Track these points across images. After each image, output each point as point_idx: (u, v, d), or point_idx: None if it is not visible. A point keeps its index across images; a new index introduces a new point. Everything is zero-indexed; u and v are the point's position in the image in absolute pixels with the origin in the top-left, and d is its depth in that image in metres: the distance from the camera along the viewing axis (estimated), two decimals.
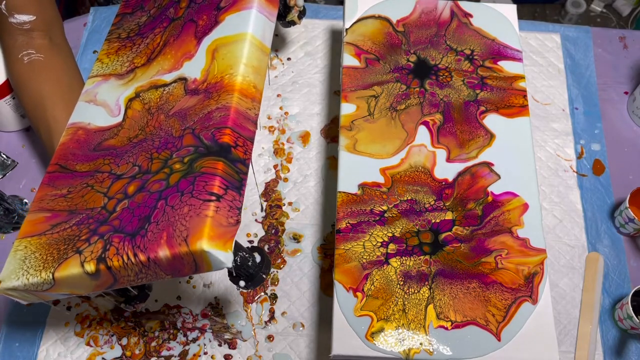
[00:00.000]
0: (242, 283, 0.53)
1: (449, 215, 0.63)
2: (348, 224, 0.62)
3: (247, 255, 0.51)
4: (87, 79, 0.67)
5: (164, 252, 0.47)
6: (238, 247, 0.50)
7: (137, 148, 0.58)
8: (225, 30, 0.62)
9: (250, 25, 0.60)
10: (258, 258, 0.52)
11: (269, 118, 0.84)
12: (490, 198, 0.64)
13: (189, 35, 0.64)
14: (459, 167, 0.66)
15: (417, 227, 0.62)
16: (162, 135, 0.57)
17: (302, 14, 0.76)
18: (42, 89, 0.69)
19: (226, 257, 0.47)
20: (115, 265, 0.49)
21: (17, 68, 0.70)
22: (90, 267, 0.50)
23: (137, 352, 0.68)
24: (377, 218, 0.62)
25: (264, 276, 0.53)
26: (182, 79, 0.61)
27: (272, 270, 0.72)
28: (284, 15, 0.75)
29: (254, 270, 0.52)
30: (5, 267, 0.54)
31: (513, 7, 0.78)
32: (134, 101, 0.62)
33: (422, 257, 0.60)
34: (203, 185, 0.50)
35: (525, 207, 0.63)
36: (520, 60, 0.73)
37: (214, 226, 0.47)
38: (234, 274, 0.52)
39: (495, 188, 0.64)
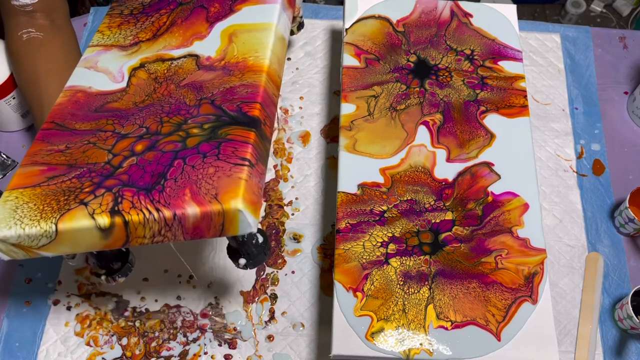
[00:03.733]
0: (242, 261, 0.53)
1: (449, 216, 0.63)
2: (348, 224, 0.62)
3: (252, 233, 0.51)
4: (87, 48, 0.66)
5: (192, 209, 0.46)
6: None
7: (145, 112, 0.57)
8: (244, 19, 0.63)
9: (275, 17, 0.62)
10: (261, 239, 0.53)
11: None
12: (490, 198, 0.64)
13: (199, 19, 0.65)
14: (459, 167, 0.66)
15: (417, 227, 0.62)
16: (172, 102, 0.57)
17: (301, 25, 0.79)
18: (38, 65, 0.68)
19: (255, 222, 0.48)
20: (135, 220, 0.46)
21: (15, 44, 0.70)
22: (103, 220, 0.47)
23: (137, 352, 0.68)
24: (377, 218, 0.62)
25: (265, 257, 0.53)
26: (193, 55, 0.62)
27: (272, 270, 0.72)
28: None
29: (256, 249, 0.52)
30: None
31: (513, 7, 0.78)
32: (138, 70, 0.62)
33: (422, 257, 0.60)
34: (232, 151, 0.50)
35: (526, 207, 0.63)
36: (520, 60, 0.73)
37: (247, 190, 0.47)
38: (236, 251, 0.52)
39: (495, 188, 0.64)
